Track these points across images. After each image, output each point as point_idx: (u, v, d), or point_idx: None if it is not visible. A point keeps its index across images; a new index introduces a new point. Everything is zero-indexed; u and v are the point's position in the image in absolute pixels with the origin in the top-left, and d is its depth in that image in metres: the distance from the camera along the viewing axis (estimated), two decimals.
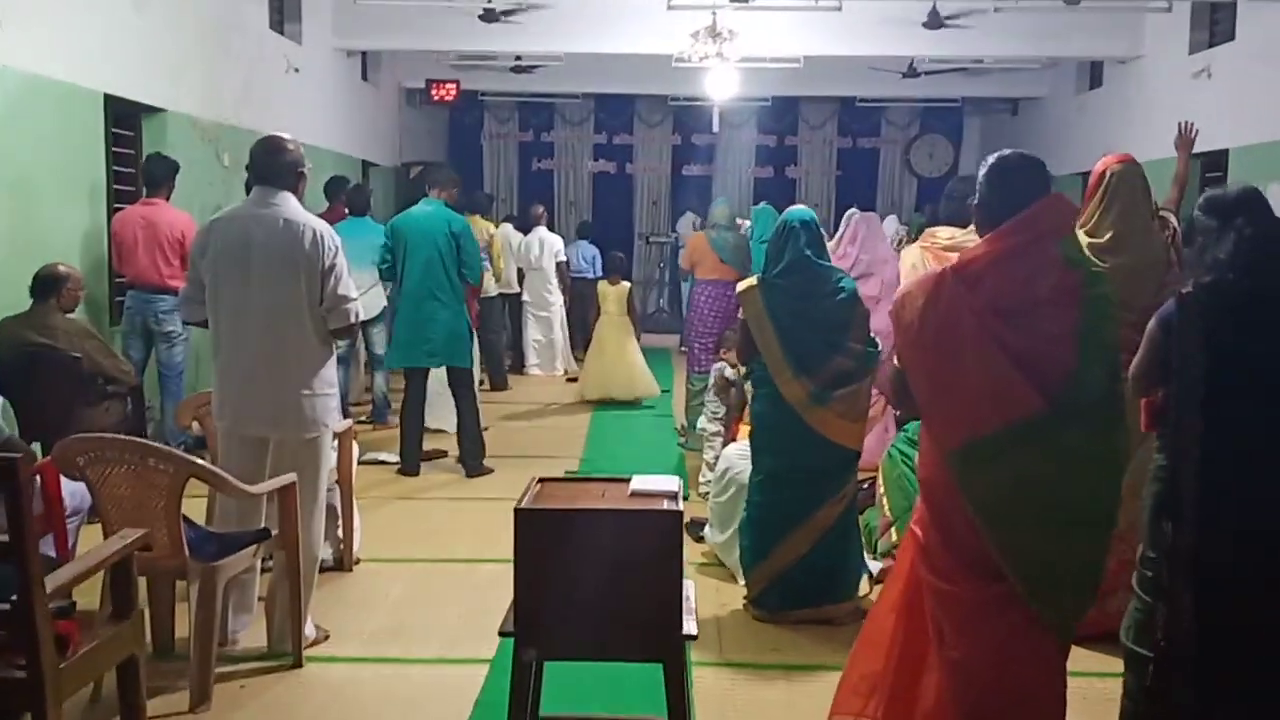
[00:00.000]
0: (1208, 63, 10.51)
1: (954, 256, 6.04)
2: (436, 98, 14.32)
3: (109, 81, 7.27)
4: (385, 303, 8.72)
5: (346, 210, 9.05)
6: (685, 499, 3.01)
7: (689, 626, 2.90)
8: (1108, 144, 12.78)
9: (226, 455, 4.10)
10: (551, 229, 12.65)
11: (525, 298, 11.84)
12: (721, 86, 12.29)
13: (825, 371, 4.33)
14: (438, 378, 7.55)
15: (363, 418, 8.92)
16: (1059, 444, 2.64)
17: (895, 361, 2.93)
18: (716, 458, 6.26)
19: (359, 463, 7.43)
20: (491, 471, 7.26)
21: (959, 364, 2.70)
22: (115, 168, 7.58)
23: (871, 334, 4.53)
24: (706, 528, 5.42)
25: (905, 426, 5.35)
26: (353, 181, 10.57)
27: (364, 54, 13.36)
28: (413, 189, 13.39)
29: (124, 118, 7.81)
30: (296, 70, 10.83)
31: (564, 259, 12.02)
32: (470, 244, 7.21)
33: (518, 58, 13.40)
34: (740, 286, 4.46)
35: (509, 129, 17.59)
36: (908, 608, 2.98)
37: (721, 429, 6.26)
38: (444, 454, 7.69)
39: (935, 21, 11.03)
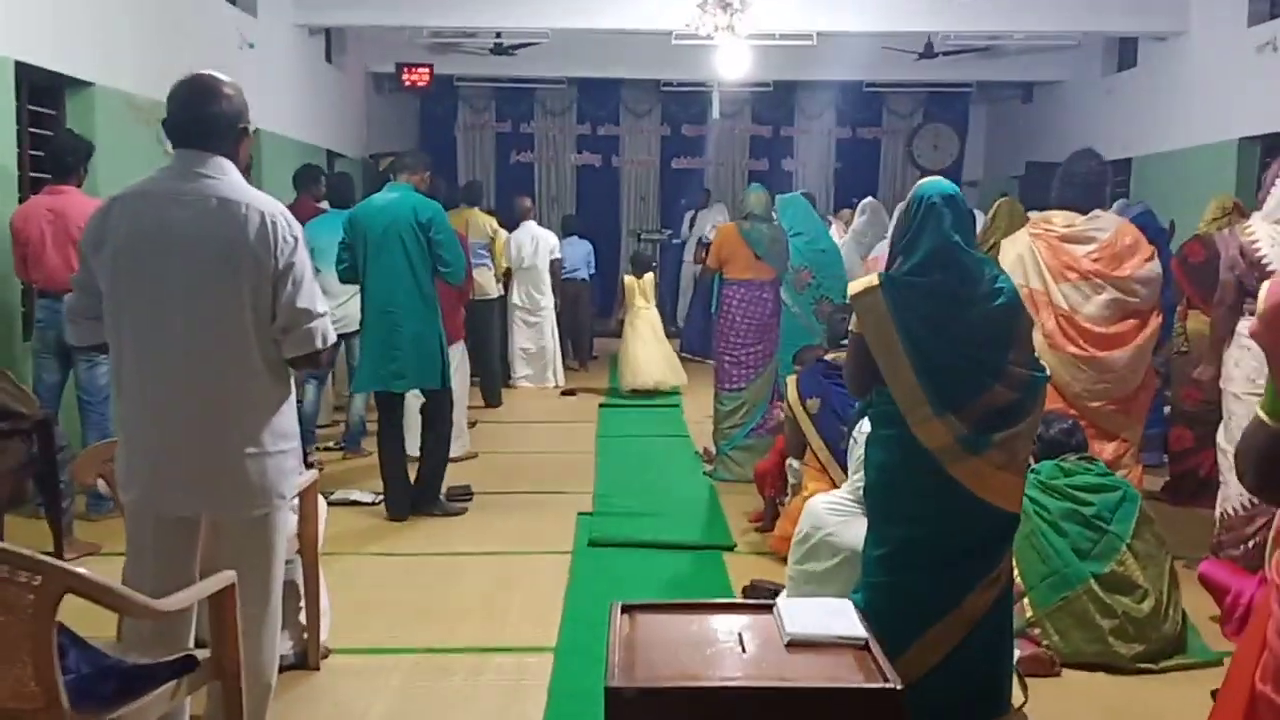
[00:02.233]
0: (1273, 35, 9.41)
1: (1075, 249, 4.91)
2: (408, 83, 13.07)
3: (21, 47, 6.01)
4: None
5: (324, 203, 7.80)
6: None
7: None
8: (1143, 130, 11.71)
9: (138, 542, 2.83)
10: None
11: (515, 301, 10.58)
12: (730, 65, 11.07)
13: (979, 406, 3.11)
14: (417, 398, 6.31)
15: (331, 444, 7.66)
16: None
17: (1263, 414, 1.71)
18: None
19: (329, 503, 6.24)
20: (464, 511, 6.06)
21: None
22: (32, 151, 6.31)
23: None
24: (782, 597, 4.21)
25: (1036, 468, 4.16)
26: (325, 171, 9.29)
27: (328, 32, 12.05)
28: (381, 183, 12.10)
29: (42, 92, 6.55)
30: (251, 46, 9.54)
31: (558, 257, 10.78)
32: (445, 235, 5.91)
33: (498, 35, 12.12)
34: (854, 288, 3.23)
35: (485, 119, 16.30)
36: None
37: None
38: None
39: None
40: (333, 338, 2.89)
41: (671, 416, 9.13)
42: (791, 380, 4.94)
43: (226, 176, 2.82)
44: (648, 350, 10.27)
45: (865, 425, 3.47)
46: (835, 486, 4.70)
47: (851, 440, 4.00)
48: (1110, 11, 10.85)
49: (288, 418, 2.90)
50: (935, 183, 3.25)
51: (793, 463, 5.30)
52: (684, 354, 11.80)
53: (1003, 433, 3.13)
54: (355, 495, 6.28)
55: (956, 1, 10.67)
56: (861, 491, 3.85)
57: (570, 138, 16.40)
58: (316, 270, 7.08)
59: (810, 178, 16.45)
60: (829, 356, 4.92)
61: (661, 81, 14.87)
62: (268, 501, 2.84)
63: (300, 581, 3.84)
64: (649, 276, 10.85)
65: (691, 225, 15.05)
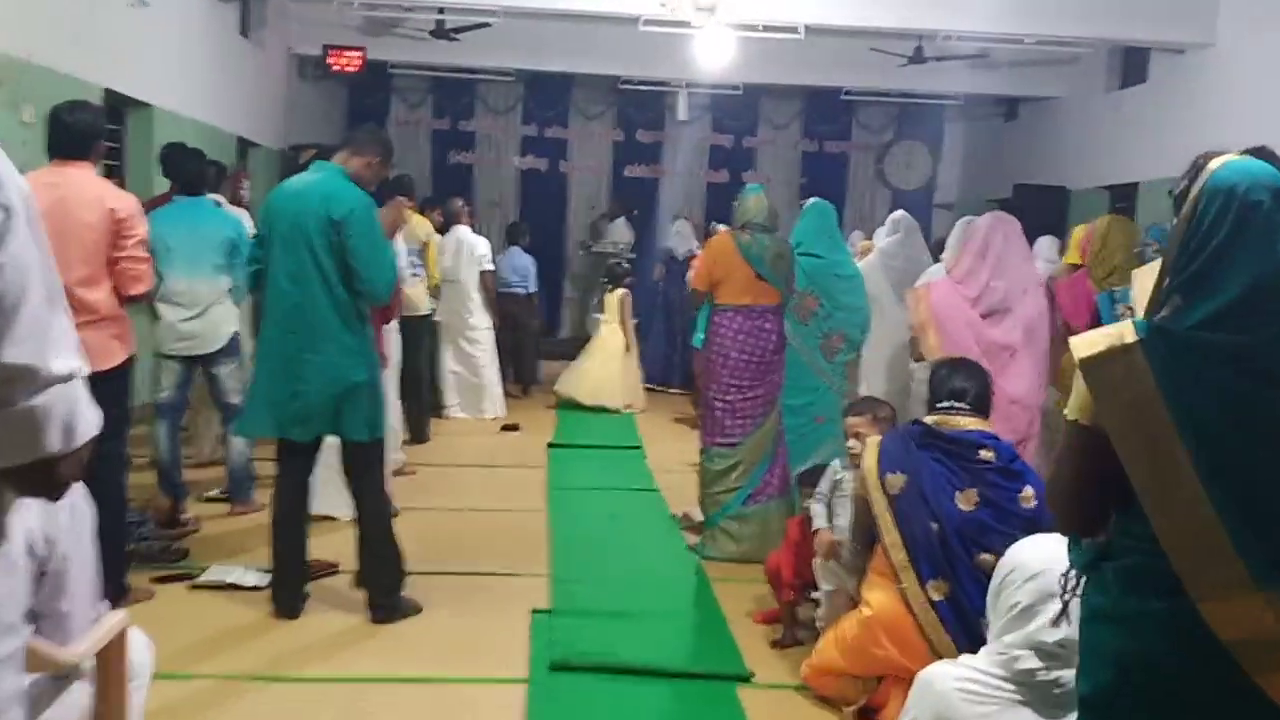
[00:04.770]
0: None
1: None
2: (335, 68, 11.56)
3: None
4: (237, 327, 5.84)
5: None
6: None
7: None
8: (1154, 151, 10.48)
9: None
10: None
11: (439, 318, 9.04)
12: (708, 55, 9.70)
13: None
14: (329, 446, 4.76)
15: (215, 492, 6.10)
16: None
17: None
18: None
19: (198, 585, 4.71)
20: (418, 611, 4.50)
21: None
22: None
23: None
24: None
25: None
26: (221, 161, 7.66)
27: (244, 1, 10.48)
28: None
29: None
30: (145, 4, 7.96)
31: (490, 268, 9.28)
32: (363, 239, 4.27)
33: (440, 12, 10.61)
34: (1085, 344, 1.80)
35: (421, 114, 14.79)
36: None
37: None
38: (334, 569, 4.90)
39: None
40: (87, 428, 1.41)
41: (633, 463, 7.67)
42: (872, 444, 3.50)
43: None
44: (597, 366, 9.87)
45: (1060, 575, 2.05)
46: (907, 604, 3.32)
47: (1008, 585, 2.57)
48: (1129, 19, 9.71)
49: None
50: (1244, 166, 1.84)
51: (830, 563, 3.91)
52: (650, 383, 10.48)
53: None
54: (235, 575, 4.72)
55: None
56: (1015, 663, 2.45)
57: (514, 138, 14.98)
58: (158, 276, 5.56)
59: (774, 193, 15.08)
60: (930, 420, 3.52)
61: (620, 79, 13.43)
62: None
63: None
64: (619, 291, 10.14)
65: (595, 236, 13.64)
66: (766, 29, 9.80)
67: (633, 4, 9.31)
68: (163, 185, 7.53)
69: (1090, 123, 11.96)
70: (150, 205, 6.11)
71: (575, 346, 13.23)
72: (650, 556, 5.43)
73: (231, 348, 5.73)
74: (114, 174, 8.27)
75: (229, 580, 4.67)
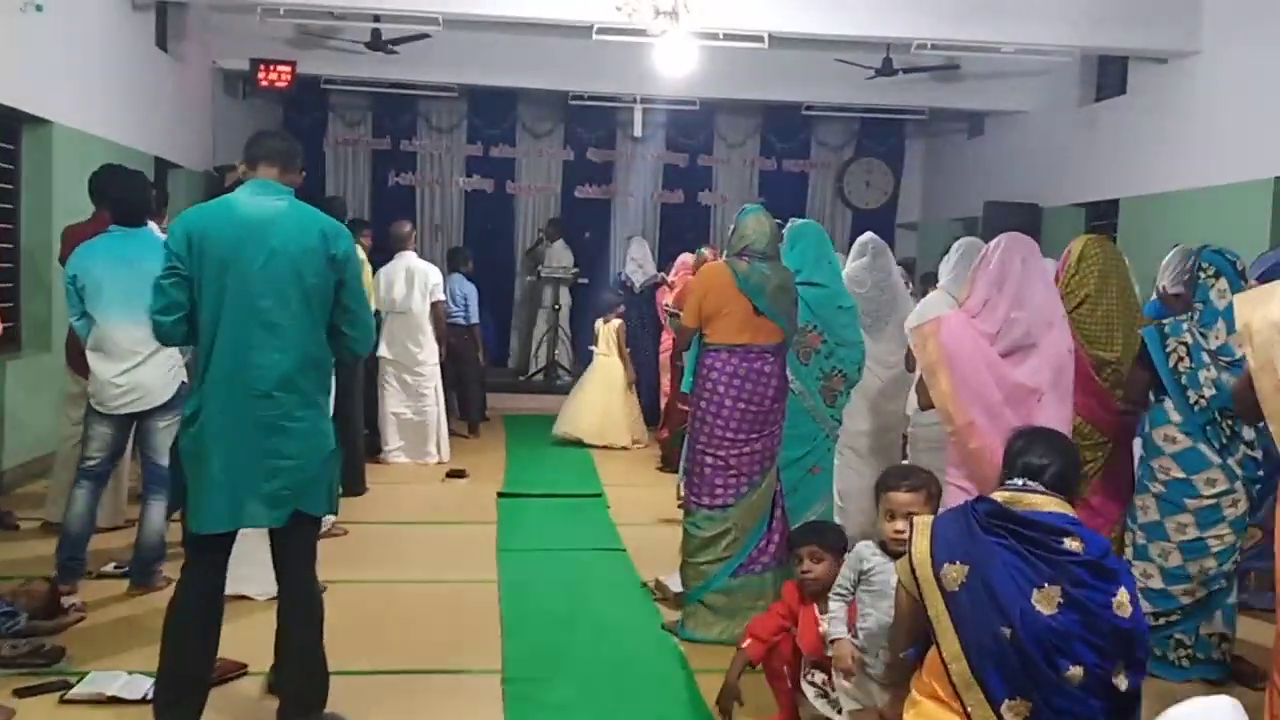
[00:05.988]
0: None
1: None
2: (264, 83, 10.73)
3: None
4: (185, 378, 4.98)
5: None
6: None
7: None
8: (1136, 167, 9.90)
9: None
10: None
11: (384, 353, 8.30)
12: (670, 64, 9.02)
13: None
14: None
15: (111, 567, 5.24)
16: None
17: None
18: None
19: (67, 699, 3.86)
20: None
21: None
22: None
23: None
24: None
25: None
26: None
27: (161, 9, 9.65)
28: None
29: None
30: (39, 9, 7.10)
31: (442, 298, 8.57)
32: (358, 279, 3.62)
33: (376, 20, 9.83)
34: None
35: (359, 133, 13.97)
36: None
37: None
38: (242, 670, 4.07)
39: None
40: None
41: (595, 515, 6.91)
42: (922, 526, 2.75)
43: None
44: (598, 402, 9.48)
45: None
46: None
47: None
48: (1110, 27, 9.16)
49: None
50: None
51: (843, 683, 3.17)
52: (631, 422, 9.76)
53: None
54: (119, 685, 3.86)
55: (931, 5, 8.90)
56: None
57: (458, 159, 14.22)
58: (88, 319, 4.70)
59: (731, 214, 14.43)
60: (1000, 496, 2.78)
61: (571, 94, 12.70)
62: None
63: None
64: (614, 321, 9.81)
65: (538, 261, 12.88)
66: (728, 38, 9.14)
67: (585, 12, 8.61)
68: (68, 214, 6.76)
69: (1063, 137, 11.43)
70: (81, 235, 5.31)
71: (524, 379, 12.53)
72: (621, 643, 4.60)
73: (177, 400, 4.88)
74: (7, 199, 7.41)
75: (110, 693, 3.81)
